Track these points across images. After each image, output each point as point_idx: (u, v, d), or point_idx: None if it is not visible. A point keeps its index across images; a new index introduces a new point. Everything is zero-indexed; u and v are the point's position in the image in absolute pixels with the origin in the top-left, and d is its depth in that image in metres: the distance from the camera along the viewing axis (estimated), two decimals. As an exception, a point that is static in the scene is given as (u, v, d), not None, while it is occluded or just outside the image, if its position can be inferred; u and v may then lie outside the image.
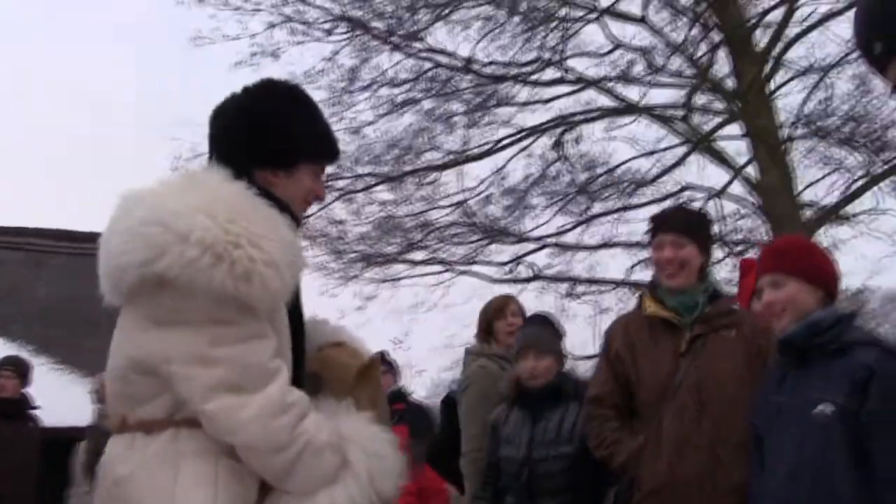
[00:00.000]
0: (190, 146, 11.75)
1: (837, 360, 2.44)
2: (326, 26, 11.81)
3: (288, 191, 2.00)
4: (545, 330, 3.74)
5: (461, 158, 12.52)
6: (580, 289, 13.23)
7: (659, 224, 3.25)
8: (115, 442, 1.86)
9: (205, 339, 1.72)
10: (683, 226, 3.18)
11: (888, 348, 2.45)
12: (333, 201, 12.53)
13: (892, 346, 2.46)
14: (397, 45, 11.79)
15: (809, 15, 11.60)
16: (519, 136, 12.87)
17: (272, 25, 11.89)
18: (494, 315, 4.44)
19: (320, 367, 2.03)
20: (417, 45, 11.87)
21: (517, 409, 3.63)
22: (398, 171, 12.11)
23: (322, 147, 2.12)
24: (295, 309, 1.97)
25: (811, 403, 2.42)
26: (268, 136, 2.00)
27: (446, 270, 13.72)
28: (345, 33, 11.92)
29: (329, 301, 13.31)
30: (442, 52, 11.93)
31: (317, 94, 13.11)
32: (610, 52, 12.30)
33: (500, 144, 12.75)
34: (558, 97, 13.00)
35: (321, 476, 1.81)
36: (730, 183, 12.34)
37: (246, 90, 2.07)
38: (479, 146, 12.87)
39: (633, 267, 12.94)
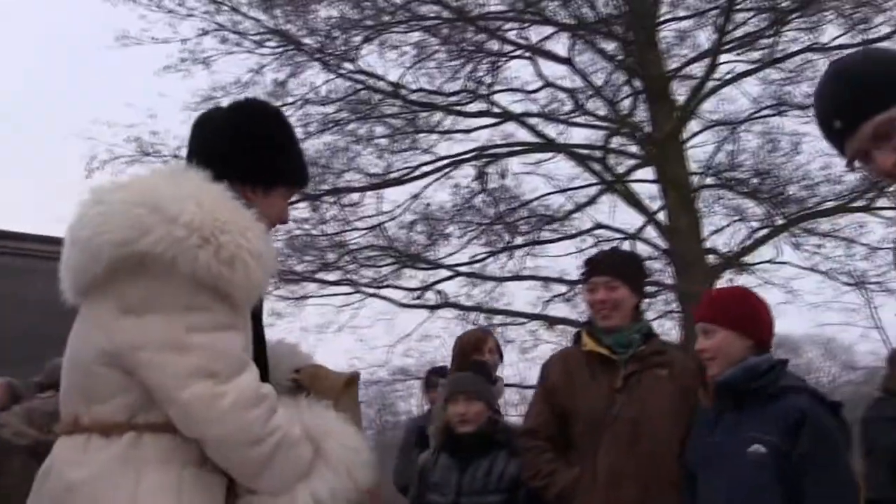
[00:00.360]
0: (106, 147, 11.52)
1: (771, 404, 2.58)
2: (258, 38, 11.72)
3: (262, 209, 2.00)
4: (476, 375, 3.73)
5: (381, 182, 12.54)
6: (494, 319, 13.40)
7: (592, 266, 3.36)
8: (66, 444, 1.77)
9: (180, 326, 1.69)
10: (616, 268, 3.28)
11: (817, 394, 2.61)
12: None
13: (821, 393, 2.62)
14: (327, 64, 11.75)
15: (728, 72, 12.17)
16: (440, 163, 13.00)
17: (205, 32, 11.71)
18: (472, 350, 4.36)
19: (309, 380, 2.02)
20: (348, 65, 11.88)
21: (446, 455, 3.55)
22: (316, 190, 12.01)
23: (299, 174, 2.15)
24: (257, 317, 1.97)
25: (746, 443, 2.54)
26: (254, 154, 2.02)
27: (356, 292, 13.69)
28: (276, 47, 11.86)
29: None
30: (372, 74, 11.97)
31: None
32: (539, 90, 12.61)
33: (420, 171, 12.84)
34: (480, 128, 13.27)
35: (297, 471, 1.78)
36: (645, 226, 12.75)
37: (233, 107, 2.11)
38: (400, 171, 12.95)
39: (548, 302, 13.19)
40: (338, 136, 12.00)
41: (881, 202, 12.11)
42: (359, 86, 12.12)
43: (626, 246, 12.70)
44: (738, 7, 11.34)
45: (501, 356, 4.29)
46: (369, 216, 12.80)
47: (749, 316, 2.80)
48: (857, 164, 1.86)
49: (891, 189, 11.85)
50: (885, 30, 11.41)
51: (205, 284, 1.71)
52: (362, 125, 12.32)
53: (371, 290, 13.64)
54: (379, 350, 14.31)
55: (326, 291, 13.50)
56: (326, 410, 1.91)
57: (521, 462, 3.26)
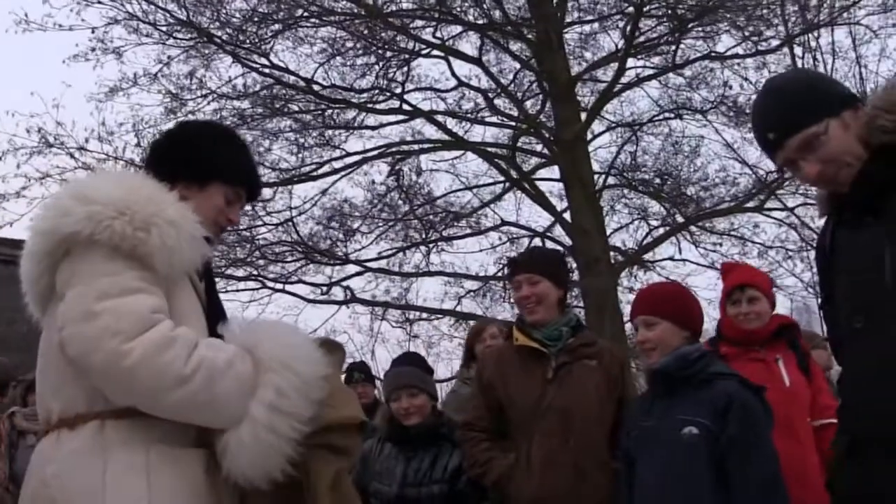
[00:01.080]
0: (8, 137, 11.05)
1: (702, 389, 2.75)
2: (167, 29, 11.37)
3: (199, 206, 2.04)
4: (413, 369, 3.75)
5: (291, 178, 12.41)
6: (401, 314, 13.46)
7: (515, 265, 3.49)
8: (43, 442, 1.84)
9: (92, 295, 1.73)
10: (537, 265, 3.40)
11: (743, 380, 2.79)
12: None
13: (746, 380, 2.80)
14: (239, 57, 11.53)
15: (632, 76, 12.58)
16: (349, 160, 12.95)
17: (115, 21, 11.30)
18: (473, 339, 4.49)
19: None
20: (261, 59, 11.69)
21: (391, 445, 3.60)
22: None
23: (237, 172, 2.19)
24: (212, 299, 2.03)
25: (680, 426, 2.70)
26: (187, 148, 2.12)
27: (262, 287, 13.51)
28: (187, 39, 11.54)
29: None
30: (284, 69, 11.82)
31: (153, 98, 12.62)
32: (452, 89, 12.75)
33: (330, 167, 12.77)
34: (390, 124, 13.30)
35: (242, 391, 1.79)
36: (553, 224, 13.01)
37: (185, 122, 2.33)
38: (310, 166, 12.85)
39: (460, 299, 13.34)
40: (248, 131, 11.75)
41: (771, 203, 12.78)
42: (270, 80, 11.94)
43: (535, 243, 13.00)
44: (645, 13, 11.71)
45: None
46: (278, 211, 12.63)
47: (686, 309, 2.98)
48: (786, 170, 2.06)
49: (781, 191, 12.58)
50: (775, 42, 12.06)
51: (122, 252, 1.77)
52: (272, 121, 12.14)
53: (278, 286, 13.51)
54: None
55: (234, 287, 13.31)
56: (259, 322, 1.99)
57: (461, 452, 3.34)
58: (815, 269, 15.26)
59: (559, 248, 13.48)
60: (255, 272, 12.60)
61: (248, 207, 12.73)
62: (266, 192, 12.29)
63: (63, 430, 1.78)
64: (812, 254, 14.89)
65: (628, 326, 10.40)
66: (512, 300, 3.56)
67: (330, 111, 12.57)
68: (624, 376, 3.37)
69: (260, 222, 12.43)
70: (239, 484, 1.81)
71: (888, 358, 1.84)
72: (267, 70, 11.78)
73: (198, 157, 2.11)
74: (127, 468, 1.72)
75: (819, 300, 2.33)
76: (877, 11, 12.04)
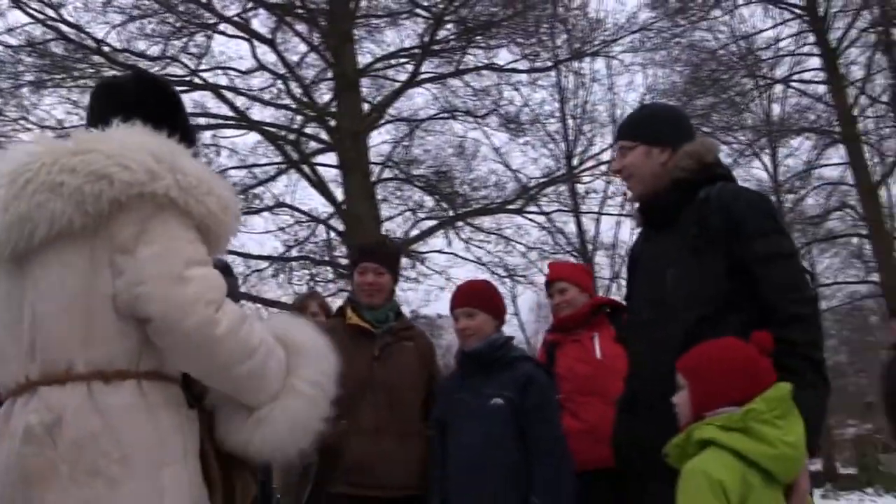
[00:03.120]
0: None
1: (506, 370, 3.42)
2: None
3: None
4: None
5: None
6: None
7: (365, 253, 3.99)
8: (66, 393, 1.75)
9: (180, 259, 1.78)
10: (385, 258, 3.91)
11: (538, 363, 3.54)
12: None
13: (539, 362, 3.54)
14: (25, 7, 10.84)
15: (420, 75, 13.31)
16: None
17: None
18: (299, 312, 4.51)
19: None
20: (50, 12, 11.06)
21: None
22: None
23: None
24: None
25: (488, 398, 3.35)
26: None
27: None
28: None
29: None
30: (76, 26, 11.26)
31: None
32: (253, 71, 12.78)
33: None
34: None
35: (282, 370, 1.92)
36: (335, 213, 13.39)
37: (140, 78, 2.32)
38: (80, 126, 12.30)
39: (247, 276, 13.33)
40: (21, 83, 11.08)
41: (531, 208, 14.17)
42: (53, 34, 11.33)
43: (317, 228, 13.34)
44: (446, 18, 12.47)
45: (328, 315, 4.55)
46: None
47: (499, 304, 3.65)
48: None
49: (541, 198, 14.00)
50: (549, 63, 13.44)
51: (195, 225, 1.84)
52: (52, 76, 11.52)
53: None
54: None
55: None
56: (276, 315, 2.20)
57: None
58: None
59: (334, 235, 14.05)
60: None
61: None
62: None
63: (94, 382, 1.75)
64: (563, 256, 16.68)
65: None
66: (355, 281, 3.96)
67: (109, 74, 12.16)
68: (433, 355, 4.01)
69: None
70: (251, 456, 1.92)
71: (662, 341, 2.56)
72: (52, 24, 11.18)
73: (187, 125, 2.14)
74: (172, 427, 1.80)
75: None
76: (629, 50, 13.87)
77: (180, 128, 2.07)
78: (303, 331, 2.06)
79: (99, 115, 2.04)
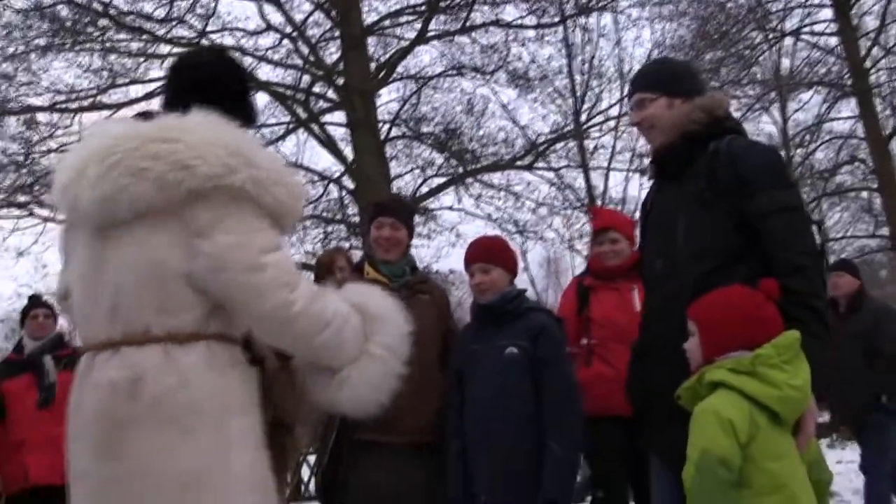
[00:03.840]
0: None
1: (519, 320, 3.53)
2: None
3: None
4: None
5: (88, 106, 11.89)
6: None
7: (382, 208, 4.06)
8: (144, 353, 1.97)
9: (255, 248, 1.99)
10: (402, 214, 4.00)
11: (551, 313, 3.64)
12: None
13: (552, 312, 3.63)
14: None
15: (425, 32, 13.24)
16: (138, 89, 12.64)
17: None
18: (325, 271, 4.67)
19: None
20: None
21: None
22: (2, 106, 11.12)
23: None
24: None
25: (503, 348, 3.46)
26: (247, 97, 2.38)
27: (29, 214, 12.92)
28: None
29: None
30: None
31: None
32: (260, 31, 12.74)
33: (126, 96, 12.40)
34: (176, 55, 13.07)
35: (358, 336, 2.16)
36: (346, 172, 13.43)
37: (217, 54, 2.48)
38: (93, 91, 12.39)
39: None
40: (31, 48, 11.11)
41: (540, 164, 14.18)
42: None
43: (328, 187, 13.40)
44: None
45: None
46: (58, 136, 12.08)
47: (513, 259, 3.74)
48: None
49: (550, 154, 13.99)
50: (556, 19, 13.34)
51: (266, 212, 2.03)
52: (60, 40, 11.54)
53: (48, 215, 12.97)
54: (54, 277, 13.57)
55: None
56: (352, 285, 2.37)
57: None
58: (571, 227, 17.17)
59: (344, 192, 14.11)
60: (32, 200, 11.98)
61: (22, 130, 12.20)
62: (50, 117, 11.76)
63: (169, 344, 1.96)
64: (571, 213, 16.73)
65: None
66: (372, 237, 4.07)
67: (118, 38, 12.17)
68: (449, 308, 4.11)
69: (44, 148, 11.81)
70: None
71: (674, 292, 2.66)
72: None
73: (252, 104, 2.34)
74: (237, 384, 2.03)
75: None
76: (636, 4, 13.73)
77: (247, 107, 2.30)
78: (378, 299, 2.30)
79: (175, 89, 2.27)
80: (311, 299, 2.06)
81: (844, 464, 10.30)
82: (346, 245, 13.98)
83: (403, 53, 13.49)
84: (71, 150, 2.22)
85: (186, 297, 2.00)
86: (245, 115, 2.22)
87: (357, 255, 5.55)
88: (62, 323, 5.69)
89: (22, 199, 12.12)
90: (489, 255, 3.66)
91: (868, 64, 16.66)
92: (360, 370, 2.16)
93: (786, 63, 19.28)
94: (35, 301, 5.60)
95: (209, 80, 2.24)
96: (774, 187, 2.58)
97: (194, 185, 1.95)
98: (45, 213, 12.78)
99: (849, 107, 18.61)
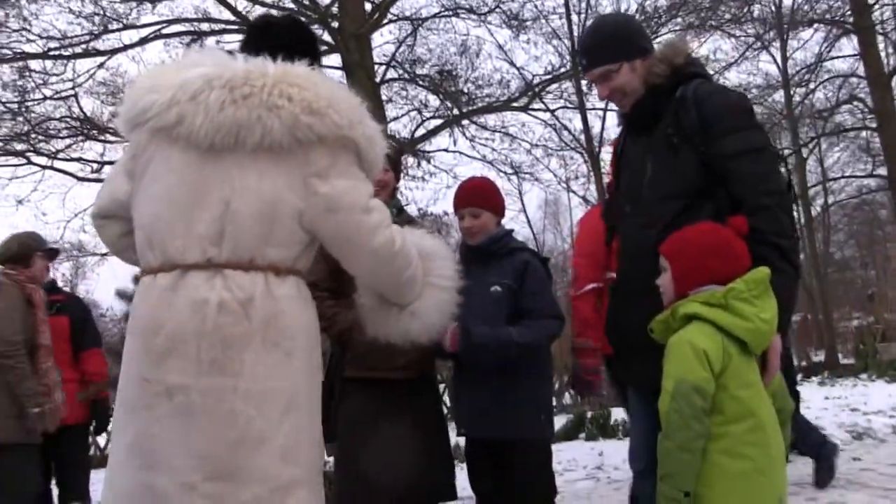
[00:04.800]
0: None
1: (505, 259, 3.63)
2: None
3: None
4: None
5: (81, 52, 11.80)
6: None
7: None
8: (251, 278, 2.10)
9: (364, 192, 2.21)
10: (388, 157, 4.04)
11: (534, 252, 3.73)
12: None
13: (536, 251, 3.71)
14: None
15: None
16: (129, 35, 12.52)
17: None
18: None
19: None
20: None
21: None
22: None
23: None
24: None
25: (489, 285, 3.56)
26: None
27: (27, 164, 12.94)
28: None
29: None
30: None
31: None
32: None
33: (119, 42, 12.29)
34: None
35: (420, 276, 2.41)
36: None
37: (293, 19, 2.68)
38: (86, 37, 12.28)
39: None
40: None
41: (537, 105, 14.10)
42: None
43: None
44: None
45: None
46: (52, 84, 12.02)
47: (501, 202, 3.81)
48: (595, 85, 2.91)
49: (546, 94, 13.90)
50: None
51: (364, 165, 2.26)
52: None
53: (46, 163, 13.00)
54: (53, 225, 13.65)
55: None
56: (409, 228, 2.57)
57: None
58: (567, 167, 17.18)
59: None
60: (29, 148, 11.98)
61: (16, 78, 12.14)
62: (44, 64, 11.69)
63: (269, 274, 2.12)
64: (567, 154, 16.70)
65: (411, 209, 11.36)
66: None
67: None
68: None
69: (39, 95, 11.76)
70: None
71: (639, 231, 2.77)
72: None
73: (321, 68, 2.49)
74: (314, 317, 2.29)
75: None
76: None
77: (318, 69, 2.41)
78: (430, 240, 2.55)
79: (256, 47, 2.34)
80: (403, 239, 2.29)
81: (832, 399, 10.52)
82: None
83: (396, -5, 13.32)
84: (157, 72, 2.29)
85: (293, 232, 2.16)
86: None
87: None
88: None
89: (19, 147, 12.08)
90: (479, 198, 3.74)
91: (871, 0, 16.44)
92: (427, 301, 2.40)
93: (786, 0, 19.01)
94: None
95: (286, 42, 2.34)
96: (738, 129, 2.63)
97: (322, 132, 2.11)
98: (42, 160, 12.88)
99: (850, 45, 18.45)
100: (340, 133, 2.14)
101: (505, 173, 14.94)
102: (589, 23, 3.12)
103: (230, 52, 2.33)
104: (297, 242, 2.17)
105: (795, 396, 4.90)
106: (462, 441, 3.88)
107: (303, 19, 2.76)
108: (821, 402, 10.02)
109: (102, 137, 12.91)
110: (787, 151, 18.90)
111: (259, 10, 13.49)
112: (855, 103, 19.90)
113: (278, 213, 2.11)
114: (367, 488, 3.45)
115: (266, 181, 2.10)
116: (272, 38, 2.37)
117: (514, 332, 3.44)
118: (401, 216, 4.09)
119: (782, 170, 2.70)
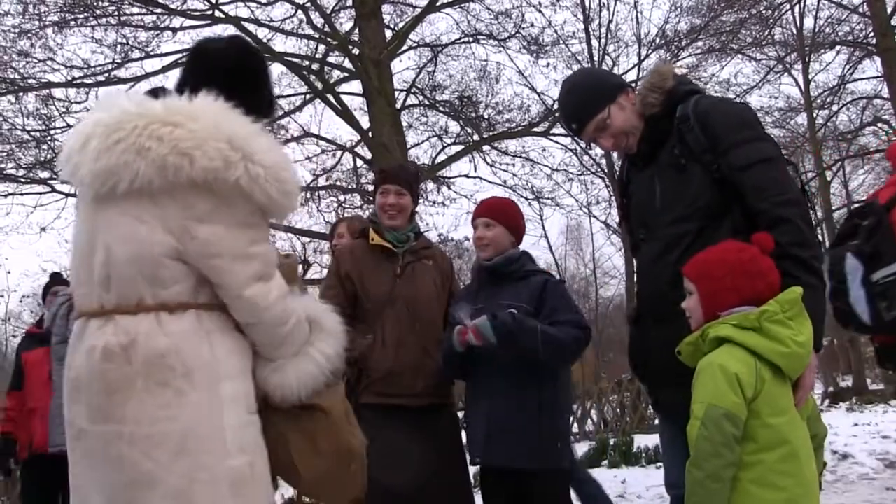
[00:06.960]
0: None
1: (521, 282, 3.54)
2: None
3: None
4: None
5: (103, 80, 11.93)
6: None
7: (387, 175, 4.05)
8: (136, 321, 2.06)
9: (245, 240, 2.10)
10: (406, 180, 3.99)
11: (552, 275, 3.66)
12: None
13: (553, 276, 3.62)
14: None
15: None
16: (153, 63, 12.64)
17: None
18: (332, 235, 4.78)
19: (287, 269, 2.43)
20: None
21: None
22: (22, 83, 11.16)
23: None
24: None
25: (503, 308, 3.42)
26: (267, 89, 2.44)
27: (52, 191, 13.04)
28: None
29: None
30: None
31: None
32: (273, 2, 12.69)
33: (141, 70, 12.41)
34: (190, 28, 13.07)
35: (303, 339, 2.29)
36: (360, 141, 13.41)
37: (233, 43, 2.43)
38: (110, 66, 12.42)
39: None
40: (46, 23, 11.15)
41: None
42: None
43: (344, 157, 13.39)
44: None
45: (353, 234, 4.63)
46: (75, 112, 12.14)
47: (518, 221, 3.73)
48: (593, 145, 2.89)
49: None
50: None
51: (259, 207, 2.12)
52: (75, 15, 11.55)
53: (70, 190, 13.08)
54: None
55: (17, 191, 12.73)
56: (308, 296, 2.47)
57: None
58: (589, 192, 17.09)
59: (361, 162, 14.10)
60: (52, 176, 12.08)
61: (40, 107, 12.29)
62: (66, 93, 11.81)
63: (162, 313, 2.05)
64: (588, 178, 16.62)
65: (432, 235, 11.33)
66: (377, 203, 4.09)
67: (132, 11, 12.16)
68: (452, 273, 4.11)
69: (62, 123, 11.87)
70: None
71: (657, 257, 2.67)
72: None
73: (270, 96, 2.40)
74: (227, 349, 2.12)
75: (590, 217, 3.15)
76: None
77: (266, 97, 2.38)
78: (329, 315, 2.41)
79: (190, 73, 2.31)
80: (283, 294, 2.19)
81: (861, 426, 10.26)
82: (364, 214, 14.01)
83: (416, 21, 13.35)
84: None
85: (177, 270, 2.08)
86: (259, 108, 2.26)
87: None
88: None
89: (42, 175, 12.19)
90: (494, 211, 3.67)
91: (894, 21, 16.28)
92: (294, 365, 2.27)
93: (808, 23, 18.92)
94: (55, 278, 5.98)
95: (229, 68, 2.29)
96: (747, 141, 2.55)
97: (192, 175, 2.02)
98: (66, 188, 12.98)
99: (873, 66, 18.28)
100: (215, 176, 2.04)
101: (526, 198, 14.90)
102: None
103: (155, 91, 2.28)
104: (187, 277, 2.10)
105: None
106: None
107: (247, 39, 2.60)
108: (849, 430, 9.78)
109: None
110: (810, 174, 18.71)
111: (280, 38, 13.64)
112: (879, 125, 19.69)
113: (155, 255, 2.06)
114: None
115: (143, 225, 2.07)
116: (207, 66, 2.31)
117: (539, 324, 3.35)
118: (419, 239, 4.02)
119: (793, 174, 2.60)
